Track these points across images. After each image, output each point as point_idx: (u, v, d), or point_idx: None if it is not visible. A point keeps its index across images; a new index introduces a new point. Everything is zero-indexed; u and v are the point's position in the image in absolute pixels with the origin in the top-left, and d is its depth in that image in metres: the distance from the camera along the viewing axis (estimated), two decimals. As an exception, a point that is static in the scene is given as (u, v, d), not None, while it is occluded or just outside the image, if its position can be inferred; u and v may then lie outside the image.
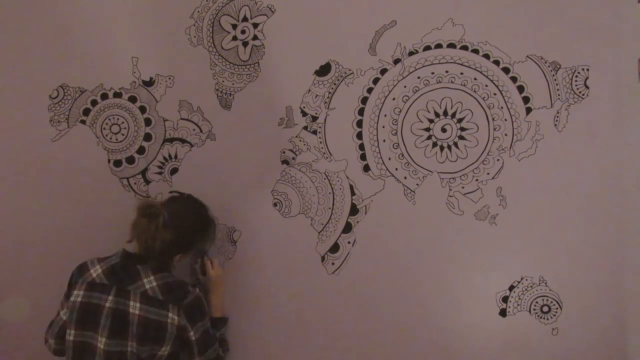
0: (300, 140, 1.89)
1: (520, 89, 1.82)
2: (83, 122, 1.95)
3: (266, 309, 1.93)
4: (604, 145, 1.80)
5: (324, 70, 1.88)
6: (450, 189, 1.84)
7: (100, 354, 1.57)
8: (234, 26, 1.91)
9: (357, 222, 1.88)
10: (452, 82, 1.83)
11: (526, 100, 1.81)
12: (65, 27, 1.93)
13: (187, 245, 1.71)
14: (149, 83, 1.93)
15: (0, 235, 1.98)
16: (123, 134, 1.94)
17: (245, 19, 1.90)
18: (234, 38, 1.91)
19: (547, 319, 1.84)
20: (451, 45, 1.83)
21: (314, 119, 1.89)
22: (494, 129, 1.83)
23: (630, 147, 1.79)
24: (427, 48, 1.83)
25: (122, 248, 1.67)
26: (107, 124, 1.95)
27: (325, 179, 1.90)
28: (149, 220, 1.61)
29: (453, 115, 1.84)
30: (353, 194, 1.88)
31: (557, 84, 1.80)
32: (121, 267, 1.63)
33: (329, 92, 1.88)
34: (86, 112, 1.95)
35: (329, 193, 1.88)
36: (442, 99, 1.84)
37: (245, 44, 1.90)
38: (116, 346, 1.57)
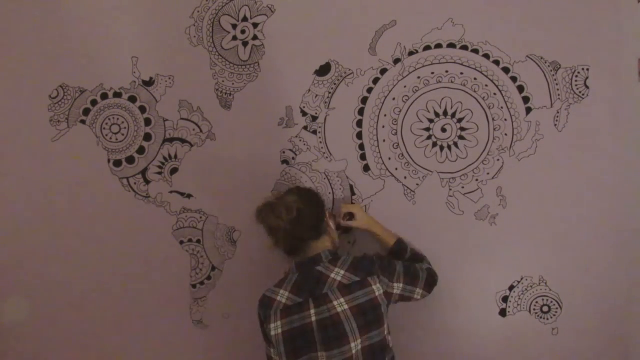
0: (300, 140, 1.89)
1: (520, 89, 1.82)
2: (83, 122, 1.95)
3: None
4: (604, 145, 1.80)
5: (324, 70, 1.88)
6: (450, 189, 1.84)
7: None
8: (234, 26, 1.91)
9: (357, 222, 1.88)
10: (452, 82, 1.83)
11: (526, 100, 1.81)
12: (65, 27, 1.93)
13: (320, 204, 1.66)
14: (149, 83, 1.93)
15: (0, 235, 1.98)
16: (123, 134, 1.94)
17: (245, 19, 1.90)
18: (234, 38, 1.91)
19: (547, 319, 1.84)
20: (451, 45, 1.83)
21: (314, 119, 1.89)
22: (494, 129, 1.83)
23: (630, 147, 1.79)
24: (427, 48, 1.83)
25: (293, 263, 1.61)
26: (107, 124, 1.95)
27: (325, 179, 1.90)
28: (271, 208, 1.56)
29: (453, 115, 1.84)
30: (353, 194, 1.88)
31: (557, 84, 1.80)
32: (304, 279, 1.55)
33: (329, 92, 1.88)
34: (86, 112, 1.95)
35: (329, 193, 1.88)
36: (442, 99, 1.84)
37: (245, 44, 1.90)
38: (339, 355, 1.48)
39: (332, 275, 1.53)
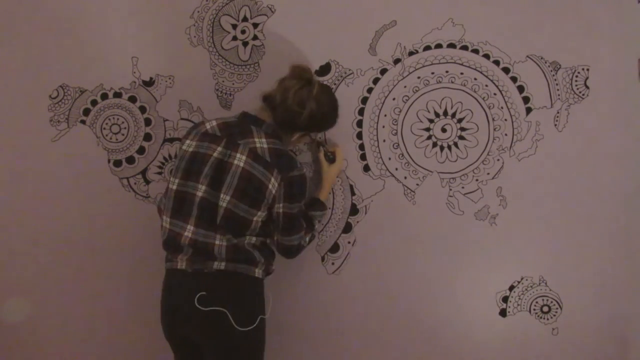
0: (300, 140, 1.89)
1: (520, 89, 1.81)
2: (83, 122, 1.95)
3: (266, 309, 1.92)
4: (604, 145, 1.80)
5: (324, 70, 1.88)
6: (450, 189, 1.84)
7: (196, 202, 1.53)
8: (234, 26, 1.90)
9: (357, 222, 1.88)
10: (452, 82, 1.83)
11: (526, 100, 1.81)
12: (65, 27, 1.93)
13: (319, 125, 1.67)
14: (149, 83, 1.93)
15: (0, 235, 1.98)
16: (123, 134, 1.94)
17: (245, 19, 1.90)
18: (234, 38, 1.90)
19: (547, 319, 1.84)
20: (451, 45, 1.83)
21: (314, 119, 1.88)
22: (494, 129, 1.83)
23: (630, 147, 1.79)
24: (427, 48, 1.83)
25: (241, 110, 1.65)
26: (107, 124, 1.95)
27: (325, 179, 1.89)
28: (303, 83, 1.58)
29: (453, 115, 1.84)
30: (353, 194, 1.88)
31: (557, 84, 1.80)
32: (236, 124, 1.59)
33: (329, 92, 1.88)
34: (86, 112, 1.95)
35: (329, 193, 1.88)
36: (442, 99, 1.84)
37: (245, 44, 1.90)
38: (210, 196, 1.52)
39: (256, 139, 1.56)
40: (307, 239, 1.69)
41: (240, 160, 1.53)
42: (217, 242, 1.53)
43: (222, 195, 1.52)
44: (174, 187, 1.57)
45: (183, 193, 1.55)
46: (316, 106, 1.58)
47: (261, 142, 1.56)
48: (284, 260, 1.91)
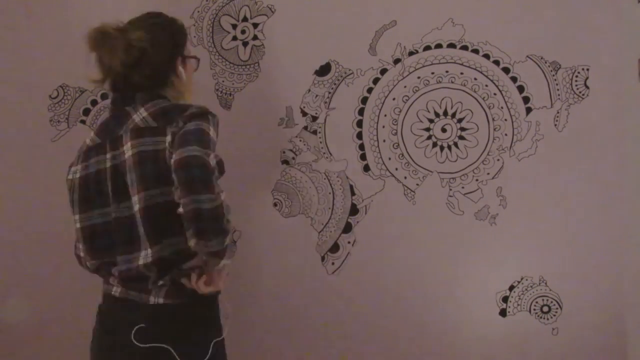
0: (300, 140, 1.89)
1: (520, 89, 1.81)
2: (83, 122, 1.95)
3: (266, 309, 1.92)
4: (604, 145, 1.79)
5: (324, 70, 1.88)
6: (450, 189, 1.84)
7: (111, 227, 1.25)
8: (234, 26, 1.90)
9: (357, 222, 1.88)
10: (452, 82, 1.83)
11: (526, 100, 1.81)
12: (65, 27, 1.93)
13: (175, 43, 1.36)
14: (149, 83, 1.92)
15: (0, 235, 1.98)
16: (123, 134, 1.94)
17: (245, 19, 1.90)
18: (234, 38, 1.91)
19: (547, 319, 1.84)
20: (451, 45, 1.83)
21: (314, 119, 1.89)
22: (494, 129, 1.83)
23: (630, 147, 1.79)
24: (427, 48, 1.83)
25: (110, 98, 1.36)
26: (107, 124, 1.94)
27: (325, 179, 1.89)
28: (106, 36, 1.30)
29: (453, 115, 1.84)
30: (353, 194, 1.88)
31: (557, 84, 1.80)
32: (111, 119, 1.31)
33: (329, 92, 1.88)
34: (86, 112, 1.95)
35: (329, 193, 1.88)
36: (442, 99, 1.84)
37: (245, 44, 1.90)
38: (123, 211, 1.23)
39: (134, 116, 1.26)
40: (224, 217, 1.23)
41: (128, 150, 1.23)
42: (140, 261, 1.22)
43: (133, 199, 1.22)
44: (78, 225, 1.29)
45: (90, 227, 1.28)
46: (141, 31, 1.31)
47: (139, 115, 1.26)
48: (284, 260, 1.92)
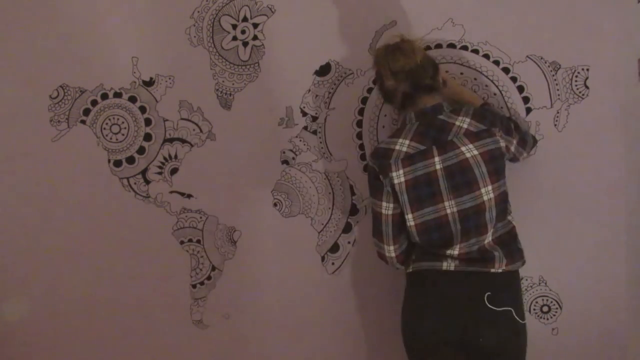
0: (300, 140, 1.89)
1: (520, 89, 1.82)
2: (83, 122, 1.95)
3: (266, 309, 1.93)
4: (604, 145, 1.79)
5: (324, 70, 1.88)
6: (450, 189, 1.84)
7: (455, 219, 1.45)
8: (234, 26, 1.90)
9: (357, 222, 1.88)
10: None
11: (526, 100, 1.81)
12: (65, 27, 1.93)
13: (437, 68, 1.58)
14: (149, 83, 1.93)
15: (0, 235, 1.98)
16: (123, 134, 1.94)
17: (245, 19, 1.90)
18: (234, 38, 1.91)
19: (547, 319, 1.84)
20: (451, 45, 1.83)
21: (314, 119, 1.89)
22: (494, 129, 1.83)
23: (630, 147, 1.79)
24: (427, 48, 1.83)
25: (411, 112, 1.55)
26: (107, 124, 1.95)
27: (325, 179, 1.90)
28: (402, 54, 1.50)
29: (453, 115, 1.84)
30: (353, 194, 1.88)
31: (557, 84, 1.80)
32: (425, 128, 1.50)
33: (329, 92, 1.88)
34: (86, 112, 1.95)
35: (329, 193, 1.88)
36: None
37: (245, 44, 1.90)
38: (470, 201, 1.45)
39: (457, 123, 1.48)
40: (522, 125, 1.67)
41: (469, 150, 1.45)
42: (488, 239, 1.49)
43: (482, 191, 1.45)
44: (412, 222, 1.49)
45: (426, 223, 1.48)
46: (408, 46, 1.52)
47: (463, 121, 1.48)
48: (284, 260, 1.92)
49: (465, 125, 1.47)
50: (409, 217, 1.49)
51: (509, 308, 1.47)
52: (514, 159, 1.64)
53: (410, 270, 1.56)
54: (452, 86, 1.70)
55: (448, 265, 1.48)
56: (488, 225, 1.46)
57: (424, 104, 1.52)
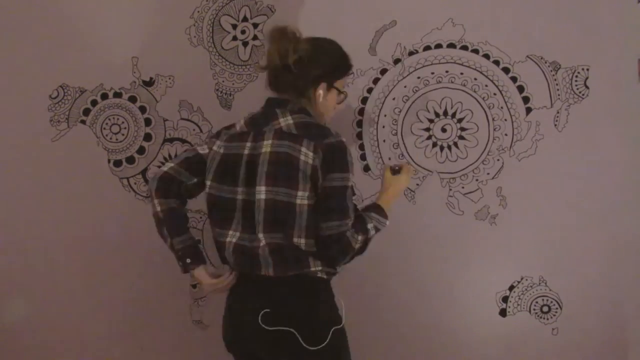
0: (300, 140, 1.89)
1: (520, 89, 1.81)
2: (83, 122, 1.95)
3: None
4: (604, 145, 1.79)
5: (324, 70, 1.87)
6: (450, 189, 1.84)
7: (239, 206, 1.40)
8: (234, 26, 1.90)
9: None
10: (452, 82, 1.83)
11: (526, 100, 1.81)
12: (65, 27, 1.93)
13: (328, 69, 1.48)
14: (149, 83, 1.93)
15: (0, 235, 1.98)
16: (123, 134, 1.94)
17: (245, 19, 1.90)
18: (234, 38, 1.91)
19: (547, 319, 1.84)
20: (451, 45, 1.83)
21: (314, 119, 1.88)
22: (494, 129, 1.83)
23: (630, 147, 1.79)
24: (427, 48, 1.83)
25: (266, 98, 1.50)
26: (107, 124, 1.95)
27: (325, 179, 1.89)
28: (283, 35, 1.41)
29: (453, 115, 1.84)
30: (353, 194, 1.88)
31: (557, 84, 1.80)
32: (262, 114, 1.47)
33: (329, 92, 1.88)
34: (86, 112, 1.95)
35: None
36: (442, 99, 1.84)
37: (245, 44, 1.90)
38: (247, 195, 1.39)
39: (281, 120, 1.42)
40: (358, 237, 1.38)
41: (267, 146, 1.39)
42: (260, 244, 1.37)
43: (257, 188, 1.37)
44: (209, 190, 1.45)
45: (219, 198, 1.43)
46: (307, 45, 1.42)
47: (286, 120, 1.42)
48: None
49: (283, 124, 1.41)
50: (208, 183, 1.45)
51: (287, 328, 1.34)
52: (315, 214, 1.37)
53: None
54: (388, 183, 1.56)
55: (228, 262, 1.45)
56: (257, 225, 1.37)
57: (281, 94, 1.47)
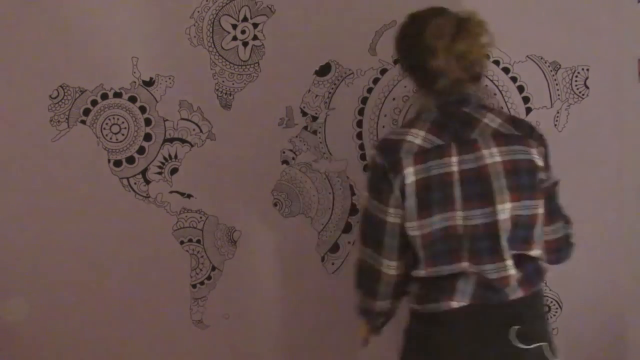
0: (300, 140, 1.89)
1: (520, 89, 1.82)
2: (83, 122, 1.95)
3: (266, 309, 1.93)
4: (604, 145, 1.80)
5: (324, 70, 1.88)
6: (450, 189, 1.84)
7: (462, 235, 1.18)
8: (234, 26, 1.90)
9: (357, 222, 1.88)
10: (452, 82, 1.83)
11: (526, 100, 1.81)
12: (65, 27, 1.93)
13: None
14: (149, 83, 1.93)
15: (0, 235, 1.98)
16: (123, 134, 1.94)
17: (245, 19, 1.90)
18: (234, 38, 1.91)
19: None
20: (451, 45, 1.83)
21: (314, 119, 1.89)
22: (494, 129, 1.83)
23: (630, 147, 1.79)
24: (427, 48, 1.83)
25: (431, 101, 1.26)
26: (107, 124, 1.95)
27: (325, 179, 1.90)
28: (471, 32, 1.18)
29: (453, 115, 1.84)
30: (353, 194, 1.88)
31: (557, 84, 1.80)
32: (446, 119, 1.21)
33: (329, 92, 1.88)
34: (86, 112, 1.95)
35: (329, 193, 1.88)
36: (442, 99, 1.84)
37: (245, 44, 1.90)
38: (479, 218, 1.17)
39: (486, 120, 1.20)
40: (570, 231, 1.32)
41: (492, 155, 1.18)
42: (510, 272, 1.19)
43: (497, 208, 1.17)
44: (417, 232, 1.20)
45: (433, 234, 1.20)
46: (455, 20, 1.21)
47: (493, 120, 1.21)
48: (284, 260, 1.92)
49: (494, 125, 1.20)
50: (414, 224, 1.19)
51: (542, 343, 1.23)
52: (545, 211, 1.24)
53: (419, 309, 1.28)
54: None
55: (460, 299, 1.21)
56: (504, 252, 1.18)
57: (449, 89, 1.23)
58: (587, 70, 1.79)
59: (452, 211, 1.18)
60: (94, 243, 1.95)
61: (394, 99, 1.86)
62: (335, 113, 1.88)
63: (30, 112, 1.94)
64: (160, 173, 1.94)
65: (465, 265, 1.19)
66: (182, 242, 1.93)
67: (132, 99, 1.93)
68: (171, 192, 1.93)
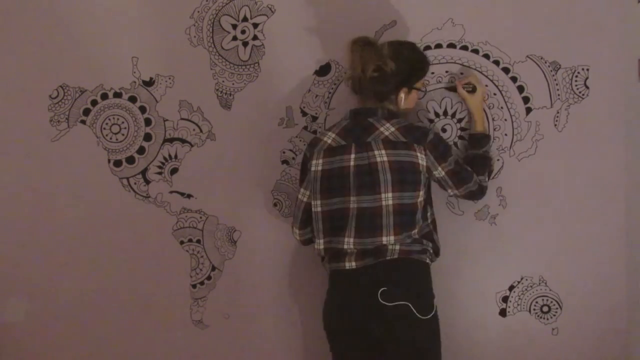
0: (300, 140, 1.89)
1: (520, 89, 1.82)
2: (83, 122, 1.95)
3: (266, 309, 1.93)
4: (604, 145, 1.80)
5: (324, 70, 1.88)
6: (450, 189, 1.84)
7: (354, 214, 1.56)
8: (234, 26, 1.90)
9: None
10: (452, 82, 1.83)
11: (526, 100, 1.81)
12: (65, 27, 1.93)
13: (408, 76, 1.62)
14: (149, 83, 1.93)
15: (0, 235, 1.98)
16: (123, 134, 1.94)
17: (245, 19, 1.90)
18: (234, 38, 1.91)
19: (547, 319, 1.84)
20: (451, 45, 1.83)
21: (314, 119, 1.89)
22: (494, 129, 1.83)
23: (630, 147, 1.79)
24: (427, 48, 1.83)
25: (349, 110, 1.66)
26: (107, 124, 1.95)
27: (325, 179, 1.89)
28: (368, 48, 1.58)
29: (453, 115, 1.84)
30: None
31: (557, 84, 1.80)
32: (353, 125, 1.61)
33: (329, 92, 1.88)
34: (86, 112, 1.95)
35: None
36: (442, 99, 1.84)
37: (245, 44, 1.90)
38: (369, 202, 1.55)
39: (381, 129, 1.57)
40: (485, 177, 1.69)
41: (381, 155, 1.55)
42: (384, 241, 1.55)
43: (382, 195, 1.54)
44: (318, 209, 1.61)
45: (330, 212, 1.59)
46: (393, 62, 1.57)
47: (387, 128, 1.57)
48: (284, 260, 1.92)
49: (386, 133, 1.56)
50: (317, 203, 1.60)
51: (405, 302, 1.52)
52: (444, 188, 1.67)
53: (327, 272, 1.68)
54: (473, 101, 1.74)
55: (350, 265, 1.57)
56: (383, 229, 1.54)
57: (364, 104, 1.64)
58: (587, 70, 1.79)
59: (347, 195, 1.56)
60: (94, 243, 1.95)
61: (394, 99, 1.86)
62: (335, 113, 1.88)
63: (30, 112, 1.94)
64: (160, 173, 1.94)
65: (350, 239, 1.57)
66: (182, 242, 1.94)
67: (132, 99, 1.93)
68: (171, 192, 1.93)
